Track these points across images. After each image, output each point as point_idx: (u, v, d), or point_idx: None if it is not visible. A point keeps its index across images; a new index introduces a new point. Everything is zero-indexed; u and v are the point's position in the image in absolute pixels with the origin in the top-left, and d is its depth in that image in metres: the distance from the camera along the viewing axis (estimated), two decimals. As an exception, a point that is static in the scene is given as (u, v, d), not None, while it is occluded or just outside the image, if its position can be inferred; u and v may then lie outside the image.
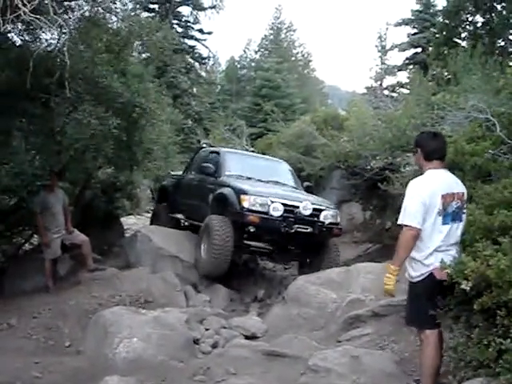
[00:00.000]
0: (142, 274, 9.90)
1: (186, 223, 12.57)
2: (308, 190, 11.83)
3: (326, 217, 10.08)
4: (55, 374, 6.22)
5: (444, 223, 4.53)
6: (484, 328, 4.00)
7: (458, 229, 4.64)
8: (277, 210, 9.64)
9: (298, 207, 9.86)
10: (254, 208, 9.60)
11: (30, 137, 9.09)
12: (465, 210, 4.74)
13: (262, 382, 5.79)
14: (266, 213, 9.61)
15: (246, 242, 10.29)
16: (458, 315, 4.37)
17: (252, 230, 9.80)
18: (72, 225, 10.73)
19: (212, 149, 12.98)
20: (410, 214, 4.51)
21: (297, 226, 9.73)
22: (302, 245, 10.51)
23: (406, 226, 4.51)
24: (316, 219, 9.98)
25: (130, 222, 17.01)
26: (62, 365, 6.52)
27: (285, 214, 9.68)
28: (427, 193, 4.51)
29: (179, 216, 12.67)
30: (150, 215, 20.91)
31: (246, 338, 7.81)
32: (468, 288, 3.99)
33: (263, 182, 11.06)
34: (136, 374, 6.02)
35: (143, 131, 10.53)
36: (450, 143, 7.63)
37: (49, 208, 9.60)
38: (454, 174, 4.95)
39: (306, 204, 9.94)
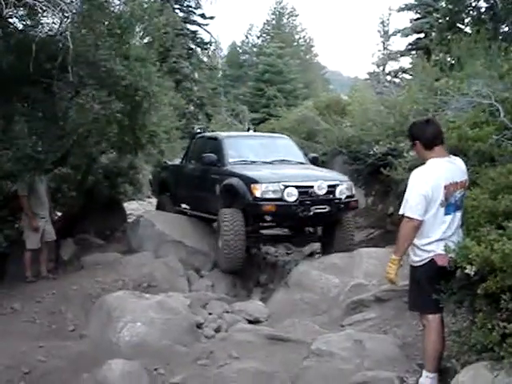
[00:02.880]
0: (144, 258, 9.93)
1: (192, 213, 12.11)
2: (314, 161, 11.49)
3: (342, 192, 9.68)
4: (59, 358, 6.25)
5: (446, 213, 4.52)
6: (488, 312, 4.00)
7: (461, 216, 4.67)
8: (291, 195, 9.20)
9: (312, 187, 9.41)
10: (267, 196, 9.19)
11: (33, 122, 9.03)
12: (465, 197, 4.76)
13: (265, 366, 5.81)
14: (281, 199, 9.19)
15: (262, 231, 10.11)
16: (461, 300, 4.38)
17: (268, 219, 9.55)
18: (74, 210, 10.70)
19: (209, 135, 12.64)
20: (411, 206, 4.47)
21: (314, 207, 9.32)
22: (320, 225, 10.38)
23: (407, 217, 4.49)
24: (332, 196, 9.58)
25: (132, 208, 17.00)
26: (66, 349, 6.55)
27: (300, 198, 9.24)
28: (429, 185, 4.45)
29: (185, 207, 12.32)
30: (152, 200, 20.93)
31: (249, 322, 7.85)
32: (472, 272, 3.99)
33: (269, 163, 10.66)
34: (140, 358, 6.06)
35: (146, 115, 10.45)
36: (454, 129, 7.63)
37: (35, 191, 9.41)
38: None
39: (321, 183, 9.47)
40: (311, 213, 9.27)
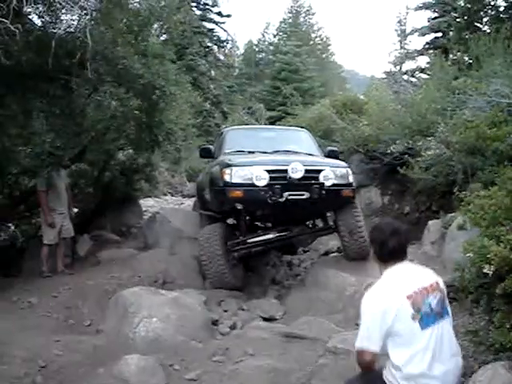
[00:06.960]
0: (160, 255, 9.98)
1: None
2: (331, 155, 10.24)
3: (327, 177, 8.52)
4: (75, 352, 6.27)
5: (424, 328, 3.48)
6: (506, 312, 3.98)
7: (449, 327, 3.67)
8: (260, 179, 8.23)
9: (286, 171, 8.33)
10: (236, 181, 8.30)
11: (51, 118, 9.10)
12: (447, 301, 3.77)
13: (280, 363, 5.81)
14: (251, 184, 8.26)
15: (251, 240, 9.26)
16: (478, 299, 4.36)
17: (239, 208, 8.56)
18: (91, 206, 10.73)
19: (220, 131, 12.25)
20: (361, 335, 3.59)
21: (288, 193, 8.25)
22: (309, 215, 9.64)
23: (357, 348, 3.60)
24: (313, 182, 8.43)
25: (148, 204, 17.09)
26: (82, 343, 6.58)
27: (272, 182, 8.24)
28: (382, 307, 3.53)
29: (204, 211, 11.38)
30: (168, 198, 21.01)
31: (265, 319, 7.84)
32: (490, 272, 3.97)
33: (268, 152, 9.60)
34: (155, 354, 6.07)
35: (163, 112, 10.47)
36: (472, 128, 7.61)
37: (54, 186, 9.47)
38: (475, 159, 4.86)
39: (296, 166, 8.32)
40: (283, 198, 8.23)
